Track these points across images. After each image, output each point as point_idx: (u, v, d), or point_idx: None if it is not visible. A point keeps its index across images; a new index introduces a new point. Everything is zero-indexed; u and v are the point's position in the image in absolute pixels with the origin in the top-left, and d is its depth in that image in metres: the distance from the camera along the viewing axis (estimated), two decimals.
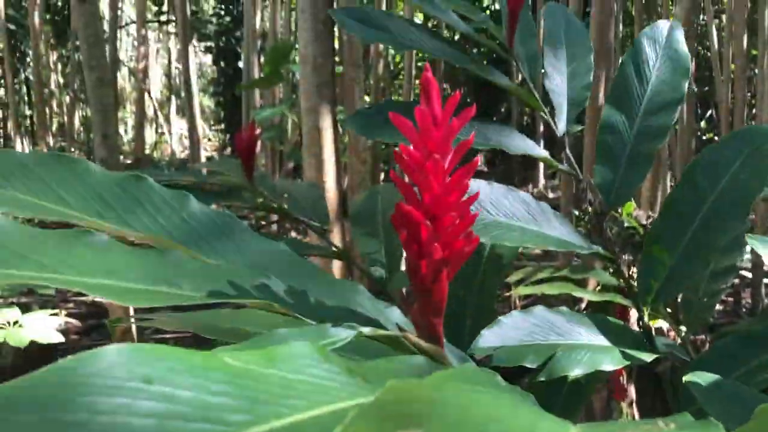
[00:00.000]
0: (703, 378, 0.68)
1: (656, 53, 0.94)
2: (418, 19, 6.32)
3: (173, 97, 11.05)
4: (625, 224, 1.48)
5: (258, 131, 1.02)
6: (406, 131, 0.42)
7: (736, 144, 0.85)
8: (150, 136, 10.75)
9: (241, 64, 7.58)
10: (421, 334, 0.45)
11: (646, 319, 0.86)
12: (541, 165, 7.66)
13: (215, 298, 0.40)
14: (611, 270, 1.13)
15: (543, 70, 0.95)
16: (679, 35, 0.95)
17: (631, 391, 1.40)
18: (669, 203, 0.87)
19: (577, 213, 2.62)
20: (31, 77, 8.16)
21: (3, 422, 0.22)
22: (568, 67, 0.94)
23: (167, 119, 10.23)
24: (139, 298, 0.35)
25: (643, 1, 4.74)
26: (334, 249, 1.11)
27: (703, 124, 6.98)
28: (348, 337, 0.36)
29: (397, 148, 0.42)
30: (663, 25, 0.97)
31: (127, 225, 0.44)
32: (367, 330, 0.38)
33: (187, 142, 8.64)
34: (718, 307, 3.49)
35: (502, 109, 8.54)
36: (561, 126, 0.91)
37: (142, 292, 0.37)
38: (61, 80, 9.81)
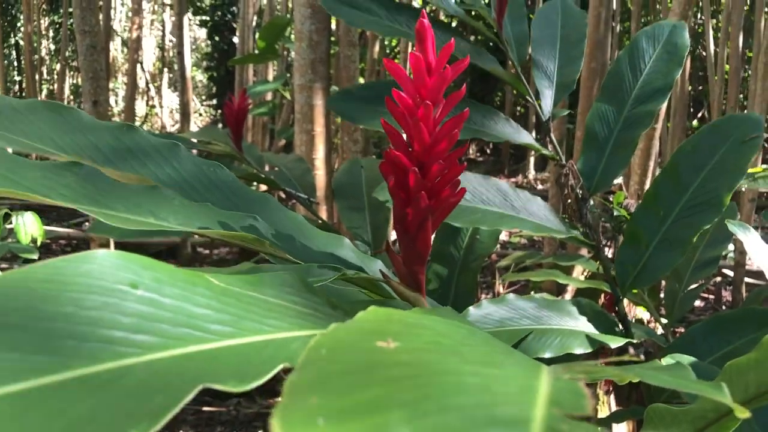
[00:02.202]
0: (678, 360, 0.69)
1: (654, 48, 0.93)
2: (417, 3, 6.28)
3: (165, 70, 10.94)
4: (615, 213, 1.49)
5: (249, 102, 1.02)
6: (399, 78, 0.42)
7: (719, 133, 0.85)
8: (141, 108, 10.65)
9: (236, 40, 7.51)
10: (403, 281, 0.45)
11: (623, 304, 0.87)
12: (531, 157, 7.68)
13: (204, 233, 0.40)
14: (591, 256, 1.14)
15: (531, 55, 0.95)
16: (683, 32, 0.94)
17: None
18: (651, 192, 0.88)
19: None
20: (21, 42, 8.05)
21: None
22: (559, 52, 0.94)
23: (159, 92, 10.13)
24: (126, 223, 0.36)
25: None
26: (319, 222, 1.12)
27: (695, 123, 7.02)
28: (332, 276, 0.37)
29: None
30: (666, 24, 0.96)
31: (117, 169, 0.44)
32: (351, 272, 0.39)
33: (177, 116, 8.56)
34: (699, 303, 3.53)
35: (496, 100, 8.55)
36: (546, 109, 0.91)
37: (129, 220, 0.37)
38: (52, 47, 9.68)
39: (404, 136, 0.43)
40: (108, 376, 0.21)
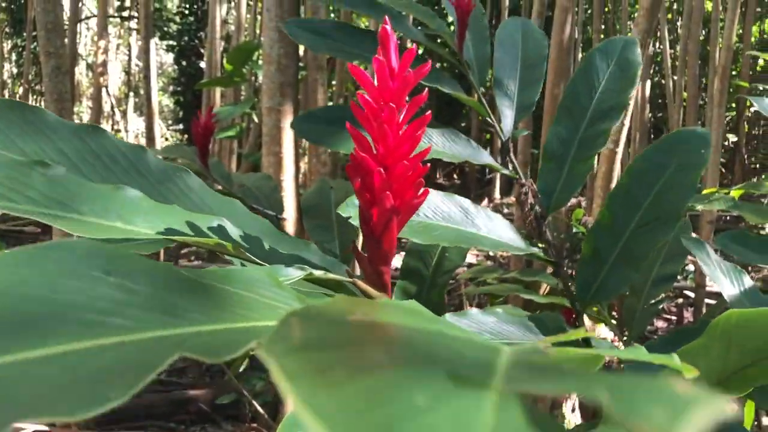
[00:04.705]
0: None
1: (607, 65, 0.95)
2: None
3: (131, 95, 10.86)
4: (574, 230, 1.52)
5: (216, 119, 1.03)
6: (363, 83, 0.44)
7: (668, 150, 0.87)
8: None
9: (203, 64, 7.51)
10: (369, 282, 0.46)
11: (582, 319, 0.89)
12: (498, 181, 7.79)
13: (170, 237, 0.40)
14: (552, 272, 1.16)
15: (493, 76, 0.97)
16: (635, 47, 0.95)
17: (574, 396, 1.43)
18: (605, 209, 0.90)
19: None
20: None
21: None
22: (520, 72, 0.97)
23: (124, 116, 10.04)
24: (93, 231, 0.36)
25: (602, 27, 4.88)
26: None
27: None
28: (299, 275, 0.38)
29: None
30: (619, 40, 0.99)
31: (81, 175, 0.44)
32: (318, 272, 0.40)
33: (143, 140, 8.49)
34: (662, 324, 3.60)
35: (463, 125, 8.68)
36: (506, 130, 0.93)
37: (96, 225, 0.37)
38: (15, 70, 9.56)
39: (369, 140, 0.45)
40: (85, 353, 0.22)
